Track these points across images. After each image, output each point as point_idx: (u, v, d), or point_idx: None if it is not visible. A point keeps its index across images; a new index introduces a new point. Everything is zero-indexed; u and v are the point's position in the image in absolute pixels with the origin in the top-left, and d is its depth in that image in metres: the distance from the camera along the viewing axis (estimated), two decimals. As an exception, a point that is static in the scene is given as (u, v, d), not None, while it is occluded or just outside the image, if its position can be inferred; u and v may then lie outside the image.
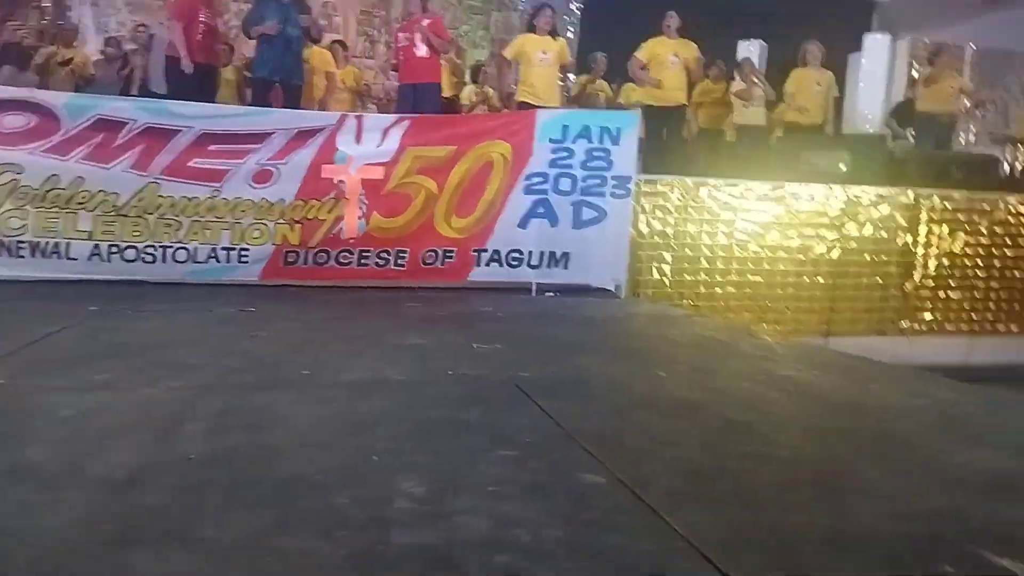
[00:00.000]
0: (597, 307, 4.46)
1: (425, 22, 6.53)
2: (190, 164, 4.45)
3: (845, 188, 5.71)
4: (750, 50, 11.04)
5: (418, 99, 6.53)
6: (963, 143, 8.98)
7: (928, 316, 5.93)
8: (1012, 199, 5.95)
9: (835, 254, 5.74)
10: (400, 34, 6.77)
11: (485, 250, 4.92)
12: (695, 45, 6.94)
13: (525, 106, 6.95)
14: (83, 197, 4.32)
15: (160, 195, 4.44)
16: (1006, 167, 7.46)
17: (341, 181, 4.67)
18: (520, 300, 4.70)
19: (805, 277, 5.77)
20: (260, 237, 4.59)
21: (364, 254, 4.77)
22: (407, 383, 2.35)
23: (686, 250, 5.60)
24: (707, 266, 5.62)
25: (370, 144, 4.69)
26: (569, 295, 4.92)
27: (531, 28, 6.97)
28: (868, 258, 5.81)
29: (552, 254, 4.98)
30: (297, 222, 4.61)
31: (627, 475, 1.58)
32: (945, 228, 5.83)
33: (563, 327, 3.71)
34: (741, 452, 1.77)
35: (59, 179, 4.29)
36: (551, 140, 4.90)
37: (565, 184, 4.93)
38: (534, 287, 4.96)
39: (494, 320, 3.83)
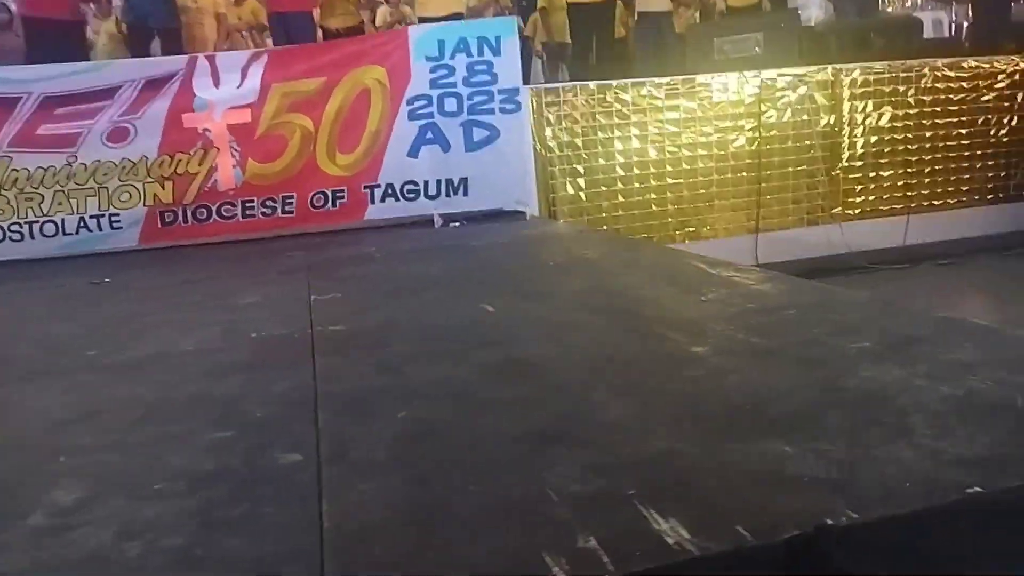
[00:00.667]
0: (490, 234, 4.22)
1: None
2: (39, 132, 4.17)
3: (759, 73, 5.38)
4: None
5: (289, 29, 6.15)
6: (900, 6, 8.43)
7: (860, 199, 5.69)
8: (940, 63, 5.61)
9: (755, 145, 5.45)
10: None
11: (378, 185, 4.66)
12: None
13: (422, 22, 6.54)
14: (-69, 181, 4.07)
15: (13, 168, 4.17)
16: (944, 27, 6.99)
17: (206, 130, 4.38)
18: (416, 235, 4.47)
19: (729, 173, 5.51)
20: (129, 200, 4.33)
21: (248, 205, 4.52)
22: (192, 354, 2.15)
23: (599, 159, 5.32)
24: (623, 173, 5.36)
25: (230, 86, 4.38)
26: (477, 223, 4.70)
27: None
28: (791, 145, 5.53)
29: (449, 181, 4.73)
30: (167, 179, 4.35)
31: (332, 447, 1.40)
32: (869, 103, 5.52)
33: (432, 262, 3.49)
34: (487, 400, 1.58)
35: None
36: (428, 58, 4.57)
37: (450, 105, 4.64)
38: (436, 219, 4.74)
39: (364, 262, 3.60)
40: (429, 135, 4.65)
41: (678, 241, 5.51)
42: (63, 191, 4.25)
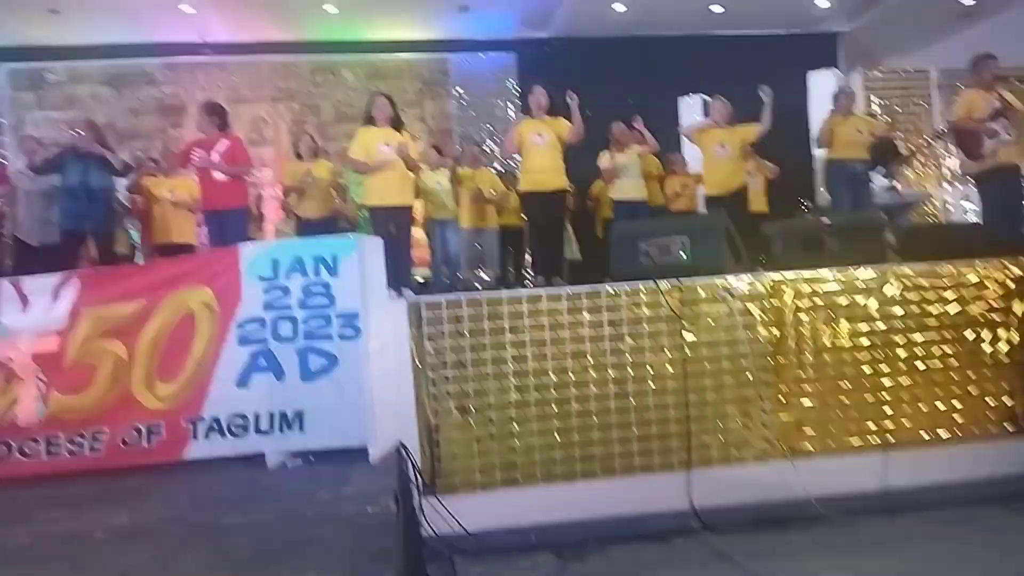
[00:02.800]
0: (285, 490, 3.48)
1: (222, 145, 5.88)
2: None
3: (679, 282, 4.57)
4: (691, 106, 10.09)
5: (224, 227, 5.87)
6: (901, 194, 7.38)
7: (816, 431, 4.62)
8: (908, 269, 4.64)
9: (679, 367, 4.56)
10: (196, 151, 6.04)
11: (202, 419, 4.05)
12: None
13: (377, 212, 6.17)
14: None
15: None
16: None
17: (9, 359, 3.97)
18: (219, 483, 3.75)
19: (650, 398, 4.61)
20: (-79, 438, 3.90)
21: (52, 442, 4.00)
22: None
23: (489, 380, 4.57)
24: (519, 398, 4.56)
25: (38, 309, 3.99)
26: (324, 462, 4.00)
27: (369, 120, 6.20)
28: (726, 366, 4.60)
29: (283, 414, 4.07)
30: (-37, 413, 3.92)
31: None
32: (817, 317, 4.57)
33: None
34: None
35: None
36: (261, 278, 4.07)
37: (286, 329, 4.07)
38: (269, 457, 4.06)
39: (34, 554, 2.84)
40: (262, 362, 4.07)
41: (587, 478, 4.59)
42: None
